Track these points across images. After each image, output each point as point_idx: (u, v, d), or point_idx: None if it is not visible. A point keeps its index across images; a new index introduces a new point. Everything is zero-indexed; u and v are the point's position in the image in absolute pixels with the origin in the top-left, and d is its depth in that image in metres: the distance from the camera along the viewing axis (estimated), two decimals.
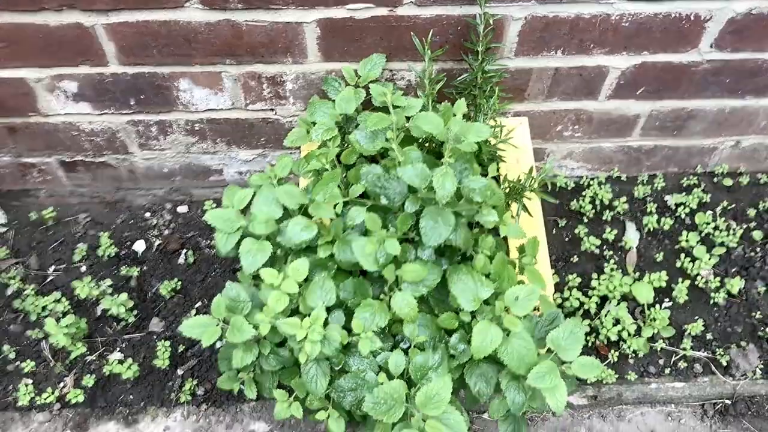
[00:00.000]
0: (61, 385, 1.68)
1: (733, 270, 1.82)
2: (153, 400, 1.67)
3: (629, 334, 1.69)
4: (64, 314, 1.75)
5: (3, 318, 1.77)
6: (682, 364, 1.70)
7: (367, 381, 1.17)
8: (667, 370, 1.69)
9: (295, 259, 1.21)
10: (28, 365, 1.68)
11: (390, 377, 1.16)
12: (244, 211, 1.26)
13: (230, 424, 1.64)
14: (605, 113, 1.70)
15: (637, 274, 1.80)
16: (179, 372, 1.70)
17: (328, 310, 1.19)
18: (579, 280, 1.77)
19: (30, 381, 1.68)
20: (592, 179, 1.94)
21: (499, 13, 1.40)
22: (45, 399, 1.65)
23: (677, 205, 1.91)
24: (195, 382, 1.67)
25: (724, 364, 1.70)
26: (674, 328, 1.72)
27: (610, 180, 1.95)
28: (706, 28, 1.46)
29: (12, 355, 1.71)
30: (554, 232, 1.88)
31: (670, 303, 1.77)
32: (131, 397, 1.67)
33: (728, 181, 1.96)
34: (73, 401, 1.64)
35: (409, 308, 1.17)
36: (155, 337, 1.74)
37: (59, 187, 1.86)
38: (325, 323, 1.16)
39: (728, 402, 1.70)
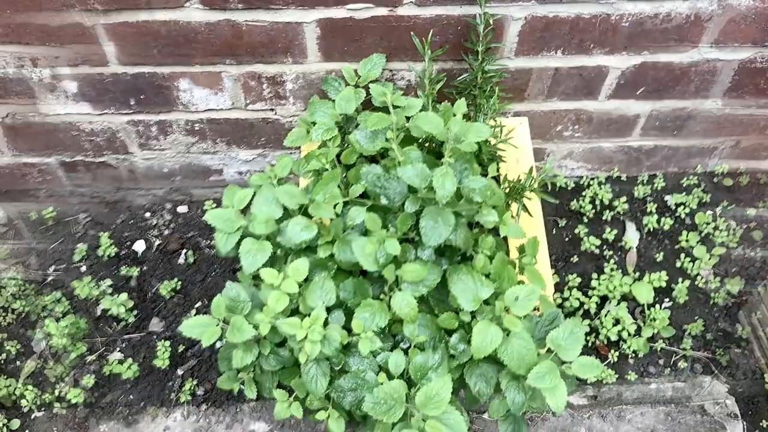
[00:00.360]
0: (61, 385, 1.68)
1: (733, 270, 1.82)
2: (153, 400, 1.67)
3: (629, 334, 1.69)
4: (64, 314, 1.75)
5: (3, 318, 1.77)
6: (682, 364, 1.70)
7: (367, 381, 1.17)
8: (667, 370, 1.69)
9: (295, 259, 1.21)
10: (28, 365, 1.68)
11: (390, 377, 1.16)
12: (244, 211, 1.26)
13: (230, 424, 1.64)
14: (605, 113, 1.70)
15: (637, 274, 1.80)
16: (179, 372, 1.70)
17: (328, 310, 1.19)
18: (579, 280, 1.77)
19: (30, 381, 1.68)
20: (592, 179, 1.94)
21: (499, 13, 1.40)
22: (45, 399, 1.65)
23: (677, 205, 1.91)
24: (195, 382, 1.67)
25: (724, 364, 1.70)
26: (674, 328, 1.72)
27: (610, 180, 1.95)
28: (706, 27, 1.46)
29: (12, 355, 1.71)
30: (554, 232, 1.88)
31: (670, 303, 1.77)
32: (131, 397, 1.67)
33: (728, 181, 1.96)
34: (74, 401, 1.64)
35: (409, 308, 1.17)
36: (155, 337, 1.74)
37: (59, 187, 1.86)
38: (325, 323, 1.16)
39: (728, 402, 1.70)
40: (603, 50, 1.50)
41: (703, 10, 1.42)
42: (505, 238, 1.38)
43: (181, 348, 1.72)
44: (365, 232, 1.21)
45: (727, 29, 1.47)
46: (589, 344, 1.71)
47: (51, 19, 1.37)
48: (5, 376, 1.68)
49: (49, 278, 1.84)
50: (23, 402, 1.64)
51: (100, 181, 1.84)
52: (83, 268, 1.84)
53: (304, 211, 1.24)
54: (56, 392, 1.66)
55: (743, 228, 1.88)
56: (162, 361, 1.68)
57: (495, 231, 1.28)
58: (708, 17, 1.43)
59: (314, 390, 1.17)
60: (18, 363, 1.71)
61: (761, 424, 1.66)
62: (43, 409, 1.66)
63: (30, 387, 1.66)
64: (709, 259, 1.80)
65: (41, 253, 1.87)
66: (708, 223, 1.86)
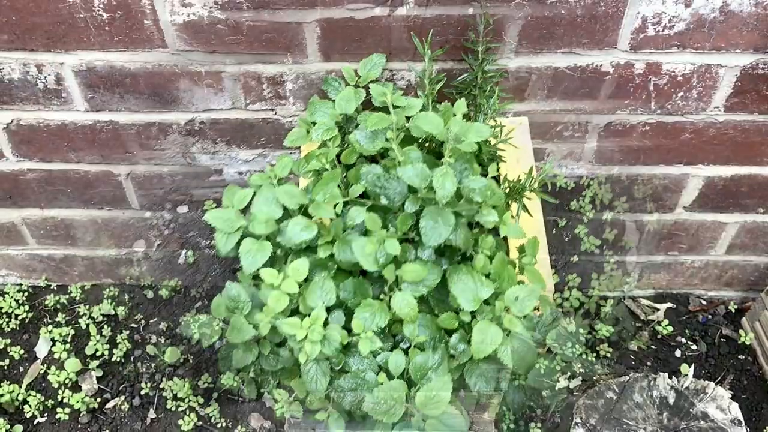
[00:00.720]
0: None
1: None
2: (153, 401, 1.67)
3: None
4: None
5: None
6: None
7: (367, 381, 1.17)
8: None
9: (295, 259, 1.21)
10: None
11: (390, 377, 1.16)
12: (244, 211, 1.26)
13: (230, 424, 1.64)
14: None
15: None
16: (179, 372, 1.70)
17: (328, 310, 1.19)
18: (579, 280, 1.77)
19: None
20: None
21: (499, 13, 1.40)
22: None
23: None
24: (195, 382, 1.67)
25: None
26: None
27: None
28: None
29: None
30: (554, 232, 1.88)
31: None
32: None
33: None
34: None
35: (409, 308, 1.17)
36: (155, 337, 1.74)
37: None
38: (325, 323, 1.16)
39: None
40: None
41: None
42: (505, 238, 1.38)
43: (181, 348, 1.72)
44: (365, 232, 1.21)
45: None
46: (589, 344, 1.71)
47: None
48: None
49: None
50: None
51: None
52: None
53: (304, 211, 1.24)
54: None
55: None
56: (162, 361, 1.68)
57: (495, 231, 1.27)
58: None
59: (314, 390, 1.17)
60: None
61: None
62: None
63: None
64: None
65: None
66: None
